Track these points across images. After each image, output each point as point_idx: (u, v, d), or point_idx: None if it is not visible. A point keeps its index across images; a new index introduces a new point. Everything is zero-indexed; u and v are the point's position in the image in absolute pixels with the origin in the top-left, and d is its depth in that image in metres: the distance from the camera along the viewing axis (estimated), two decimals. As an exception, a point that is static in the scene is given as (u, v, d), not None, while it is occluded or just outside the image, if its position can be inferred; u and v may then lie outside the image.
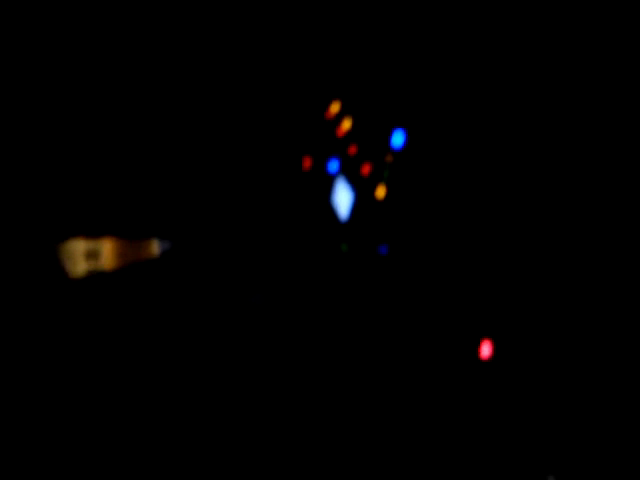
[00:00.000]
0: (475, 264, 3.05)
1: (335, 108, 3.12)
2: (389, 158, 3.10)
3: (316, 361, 3.02)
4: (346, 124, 3.13)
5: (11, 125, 2.92)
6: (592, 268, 2.96)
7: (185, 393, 2.96)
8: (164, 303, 3.01)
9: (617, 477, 2.79)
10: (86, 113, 2.99)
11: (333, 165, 3.12)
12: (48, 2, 2.96)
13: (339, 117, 3.12)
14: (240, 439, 2.95)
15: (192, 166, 3.06)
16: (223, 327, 3.03)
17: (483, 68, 3.05)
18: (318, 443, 2.96)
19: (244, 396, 2.99)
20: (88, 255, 2.98)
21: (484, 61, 3.06)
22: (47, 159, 2.96)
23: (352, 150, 3.13)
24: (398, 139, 3.10)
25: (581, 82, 3.00)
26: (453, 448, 2.97)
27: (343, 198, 3.11)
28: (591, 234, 2.99)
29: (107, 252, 2.99)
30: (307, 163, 3.10)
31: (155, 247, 3.02)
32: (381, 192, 3.11)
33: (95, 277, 2.98)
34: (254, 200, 3.08)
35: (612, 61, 2.92)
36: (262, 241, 3.07)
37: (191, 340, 3.01)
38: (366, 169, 3.12)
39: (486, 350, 3.01)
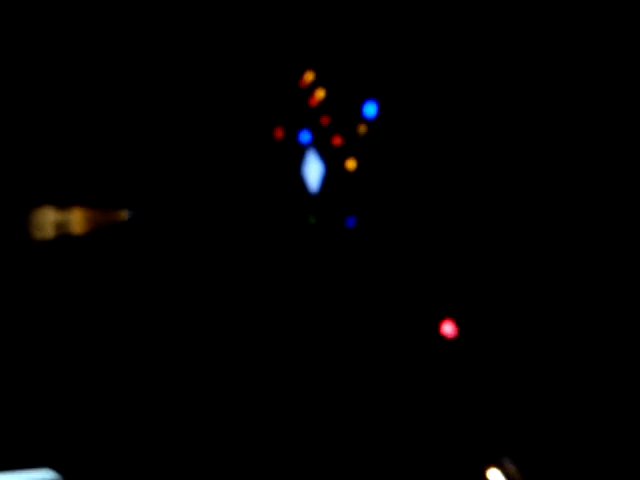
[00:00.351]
0: (443, 238, 2.94)
1: (309, 77, 3.05)
2: (361, 129, 3.02)
3: (283, 334, 2.98)
4: (319, 94, 3.05)
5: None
6: (554, 250, 2.82)
7: (154, 360, 2.97)
8: (132, 274, 3.02)
9: (574, 458, 2.67)
10: (56, 85, 3.02)
11: (305, 136, 3.05)
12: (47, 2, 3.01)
13: (312, 87, 3.05)
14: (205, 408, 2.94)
15: (161, 136, 3.05)
16: (191, 298, 3.02)
17: (455, 41, 2.94)
18: (277, 412, 2.93)
19: (211, 366, 2.98)
20: (57, 225, 3.01)
21: (456, 34, 2.94)
22: (16, 131, 3.00)
23: (324, 121, 3.06)
24: (370, 110, 3.01)
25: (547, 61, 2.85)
26: (416, 426, 2.89)
27: (314, 170, 3.04)
28: (552, 214, 2.85)
29: (76, 222, 3.01)
30: (279, 133, 3.05)
31: (125, 217, 3.03)
32: (352, 164, 3.03)
33: (65, 245, 3.01)
34: (224, 169, 3.04)
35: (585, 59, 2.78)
36: (231, 212, 3.03)
37: (160, 311, 3.01)
38: (337, 140, 3.05)
39: (449, 329, 2.91)
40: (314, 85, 3.06)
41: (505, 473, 2.75)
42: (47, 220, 3.00)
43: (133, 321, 2.98)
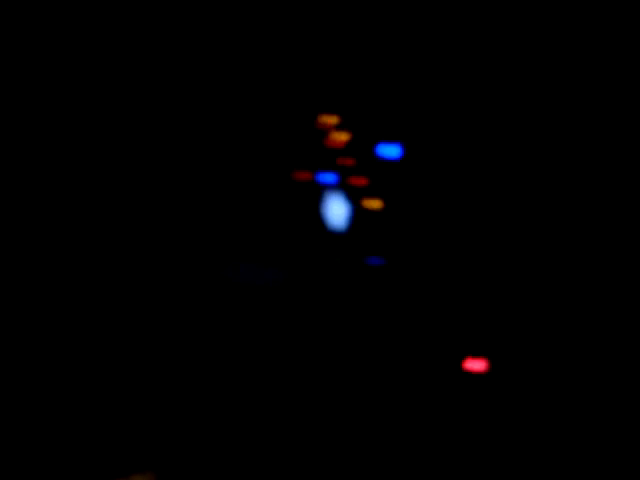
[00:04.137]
0: (474, 275, 3.02)
1: (332, 120, 3.13)
2: (384, 170, 3.11)
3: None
4: (343, 136, 3.13)
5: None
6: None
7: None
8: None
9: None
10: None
11: (329, 177, 3.13)
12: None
13: (336, 129, 3.13)
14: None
15: (184, 180, 3.10)
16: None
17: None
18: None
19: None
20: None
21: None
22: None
23: (348, 162, 3.13)
24: (393, 151, 3.10)
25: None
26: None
27: (338, 210, 3.11)
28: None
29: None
30: (303, 175, 3.11)
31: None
32: (376, 204, 3.11)
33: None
34: (248, 214, 3.10)
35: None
36: (256, 257, 3.09)
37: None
38: (362, 181, 3.12)
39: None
40: (337, 127, 3.14)
41: None
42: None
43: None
